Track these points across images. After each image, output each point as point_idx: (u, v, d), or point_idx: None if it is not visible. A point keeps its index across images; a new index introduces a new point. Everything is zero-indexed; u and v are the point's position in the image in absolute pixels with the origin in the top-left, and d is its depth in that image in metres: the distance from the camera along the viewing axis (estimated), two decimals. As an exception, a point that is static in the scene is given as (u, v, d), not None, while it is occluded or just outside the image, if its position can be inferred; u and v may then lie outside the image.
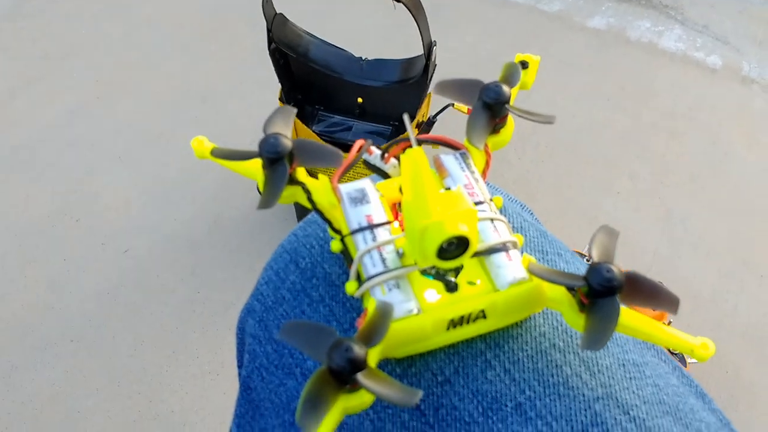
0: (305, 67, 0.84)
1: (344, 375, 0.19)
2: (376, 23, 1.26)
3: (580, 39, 1.29)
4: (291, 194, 0.25)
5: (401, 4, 0.70)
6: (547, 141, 1.09)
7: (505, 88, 0.26)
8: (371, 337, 0.20)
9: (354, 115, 0.89)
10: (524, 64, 0.29)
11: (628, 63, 1.24)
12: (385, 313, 0.21)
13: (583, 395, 0.23)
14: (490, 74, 1.09)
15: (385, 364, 0.24)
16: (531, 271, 0.22)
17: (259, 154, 0.24)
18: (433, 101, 0.89)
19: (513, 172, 1.04)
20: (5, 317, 0.86)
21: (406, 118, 0.23)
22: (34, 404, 0.79)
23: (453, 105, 0.85)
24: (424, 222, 0.21)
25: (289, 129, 0.25)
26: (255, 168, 0.25)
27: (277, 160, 0.24)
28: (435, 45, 0.77)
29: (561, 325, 0.25)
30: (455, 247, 0.21)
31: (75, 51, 1.21)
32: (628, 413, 0.23)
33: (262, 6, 0.77)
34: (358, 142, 0.26)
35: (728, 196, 1.03)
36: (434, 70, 0.80)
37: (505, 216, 0.29)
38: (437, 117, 0.84)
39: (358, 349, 0.19)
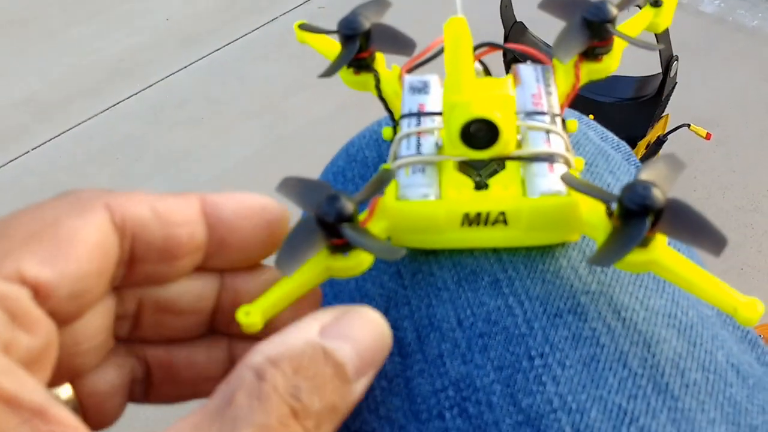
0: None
1: (329, 223, 0.19)
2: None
3: None
4: (363, 81, 0.26)
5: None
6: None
7: (611, 6, 0.24)
8: (365, 197, 0.20)
9: (584, 132, 0.87)
10: (657, 2, 0.27)
11: None
12: (381, 177, 0.21)
13: (571, 286, 0.21)
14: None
15: None
16: (563, 179, 0.21)
17: (337, 30, 0.25)
18: (671, 124, 0.84)
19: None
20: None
21: None
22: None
23: (689, 126, 0.79)
24: (452, 98, 0.20)
25: (377, 17, 0.26)
26: (336, 51, 0.26)
27: (351, 37, 0.25)
28: (676, 60, 0.73)
29: None
30: (484, 134, 0.20)
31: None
32: (619, 312, 0.21)
33: (501, 12, 0.79)
34: (439, 38, 0.26)
35: None
36: (673, 88, 0.75)
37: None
38: (668, 136, 0.79)
39: (345, 201, 0.19)
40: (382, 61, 0.26)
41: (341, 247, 0.20)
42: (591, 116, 0.92)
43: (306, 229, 0.19)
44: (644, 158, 0.79)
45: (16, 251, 0.16)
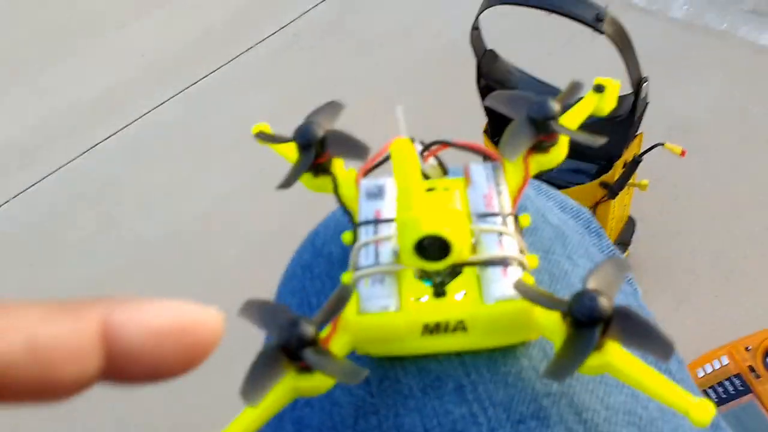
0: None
1: (291, 349, 0.20)
2: (586, 58, 1.22)
3: None
4: (322, 184, 0.27)
5: (605, 37, 0.68)
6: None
7: (554, 104, 0.25)
8: (326, 318, 0.21)
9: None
10: (599, 88, 0.28)
11: None
12: (341, 295, 0.21)
13: (533, 389, 0.22)
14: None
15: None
16: (515, 287, 0.21)
17: (293, 139, 0.26)
18: (645, 141, 0.84)
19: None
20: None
21: (398, 110, 0.23)
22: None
23: (663, 144, 0.80)
24: (403, 215, 0.21)
25: (331, 122, 0.26)
26: (293, 154, 0.27)
27: (307, 147, 0.25)
28: (645, 81, 0.74)
29: None
30: (437, 248, 0.21)
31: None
32: (580, 414, 0.21)
33: (471, 41, 0.80)
34: (392, 141, 0.26)
35: None
36: (645, 108, 0.76)
37: (526, 234, 0.28)
38: (643, 157, 0.79)
39: (306, 325, 0.20)
40: (339, 163, 0.27)
41: (307, 367, 0.20)
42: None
43: (269, 356, 0.20)
44: (622, 178, 0.80)
45: None
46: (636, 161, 0.79)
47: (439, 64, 1.31)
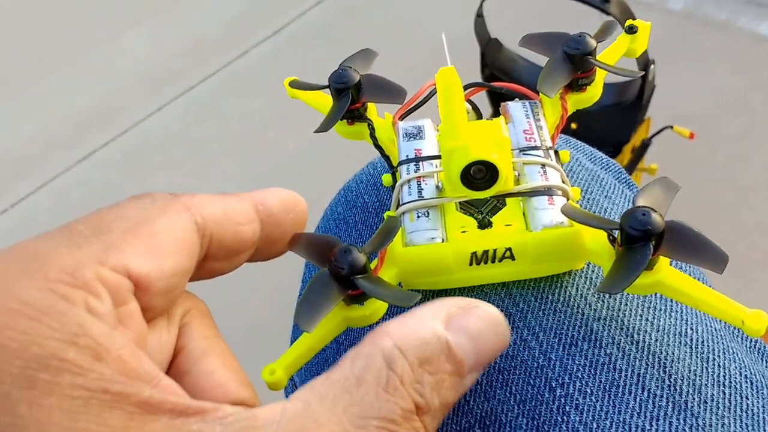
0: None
1: (343, 277, 0.20)
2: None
3: None
4: (358, 131, 0.27)
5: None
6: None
7: (589, 39, 0.25)
8: (375, 248, 0.21)
9: (568, 141, 0.86)
10: (632, 29, 0.27)
11: None
12: (389, 226, 0.22)
13: (583, 314, 0.22)
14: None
15: None
16: (564, 212, 0.21)
17: (328, 85, 0.26)
18: (653, 125, 0.84)
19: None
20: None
21: (443, 37, 0.24)
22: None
23: (672, 127, 0.79)
24: (450, 144, 0.21)
25: (365, 68, 0.26)
26: (327, 103, 0.27)
27: (343, 91, 0.25)
28: (653, 64, 0.73)
29: None
30: (484, 175, 0.21)
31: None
32: (632, 336, 0.22)
33: (475, 30, 0.79)
34: (427, 83, 0.26)
35: None
36: (652, 91, 0.75)
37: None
38: (652, 139, 0.78)
39: (358, 254, 0.20)
40: (373, 109, 0.27)
41: (357, 297, 0.21)
42: (573, 125, 0.91)
43: (322, 285, 0.20)
44: (631, 163, 0.79)
45: (118, 244, 0.17)
46: (645, 145, 0.78)
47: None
